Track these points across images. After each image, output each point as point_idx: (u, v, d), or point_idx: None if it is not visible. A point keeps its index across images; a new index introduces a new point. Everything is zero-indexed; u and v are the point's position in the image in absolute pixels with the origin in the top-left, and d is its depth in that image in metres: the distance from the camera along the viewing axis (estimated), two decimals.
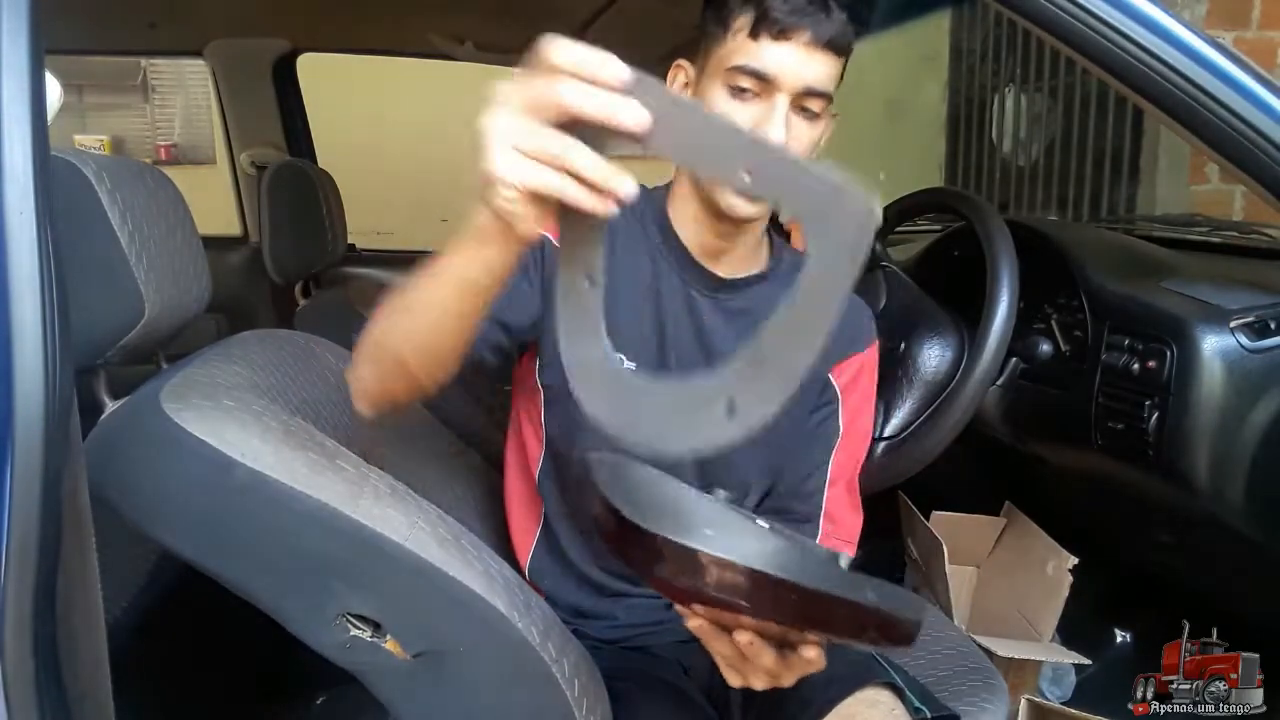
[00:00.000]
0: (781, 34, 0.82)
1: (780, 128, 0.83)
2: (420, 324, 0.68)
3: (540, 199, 0.54)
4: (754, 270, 0.98)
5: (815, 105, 0.85)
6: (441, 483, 1.10)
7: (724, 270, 0.96)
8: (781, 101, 0.83)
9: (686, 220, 0.95)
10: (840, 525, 1.02)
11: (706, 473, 0.97)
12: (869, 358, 1.04)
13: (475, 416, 1.38)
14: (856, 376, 1.02)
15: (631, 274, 0.95)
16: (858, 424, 1.04)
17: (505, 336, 0.91)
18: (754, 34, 0.83)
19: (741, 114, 0.84)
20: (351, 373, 0.79)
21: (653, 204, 0.98)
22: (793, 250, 1.04)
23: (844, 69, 0.87)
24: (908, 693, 0.90)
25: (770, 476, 1.03)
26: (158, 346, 0.88)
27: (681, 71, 0.92)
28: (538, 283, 0.90)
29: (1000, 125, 4.15)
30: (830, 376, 1.01)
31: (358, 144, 3.62)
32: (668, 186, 0.98)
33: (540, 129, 0.53)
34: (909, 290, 1.39)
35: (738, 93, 0.84)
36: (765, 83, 0.83)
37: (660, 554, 0.56)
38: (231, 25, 2.07)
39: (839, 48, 0.84)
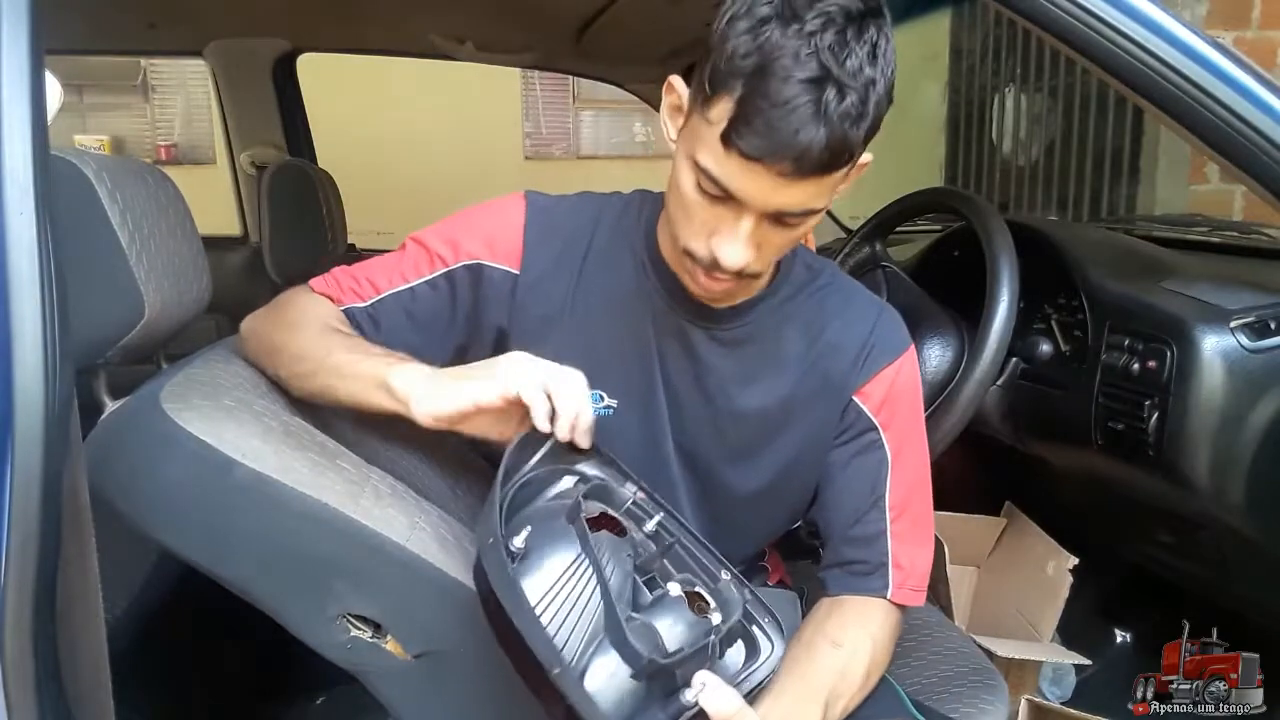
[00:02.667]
0: (751, 159, 0.67)
1: (739, 249, 0.72)
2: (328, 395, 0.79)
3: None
4: (748, 296, 0.86)
5: (795, 220, 0.72)
6: (443, 483, 1.10)
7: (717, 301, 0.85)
8: (746, 223, 0.72)
9: (668, 246, 0.84)
10: (909, 571, 0.89)
11: (705, 524, 0.91)
12: (903, 365, 0.90)
13: None
14: (891, 393, 0.89)
15: (611, 290, 0.87)
16: (910, 442, 0.91)
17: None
18: (724, 141, 0.68)
19: (704, 213, 0.73)
20: (250, 340, 0.85)
21: (643, 216, 0.88)
22: (809, 256, 0.93)
23: (851, 168, 0.72)
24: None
25: (788, 513, 0.96)
26: (158, 346, 0.88)
27: (673, 94, 0.78)
28: (465, 310, 0.87)
29: (1000, 125, 4.15)
30: (856, 400, 0.89)
31: (358, 144, 3.62)
32: (658, 207, 0.87)
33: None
34: (909, 290, 1.39)
35: (704, 191, 0.72)
36: (730, 196, 0.71)
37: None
38: (231, 25, 2.07)
39: (835, 164, 0.68)
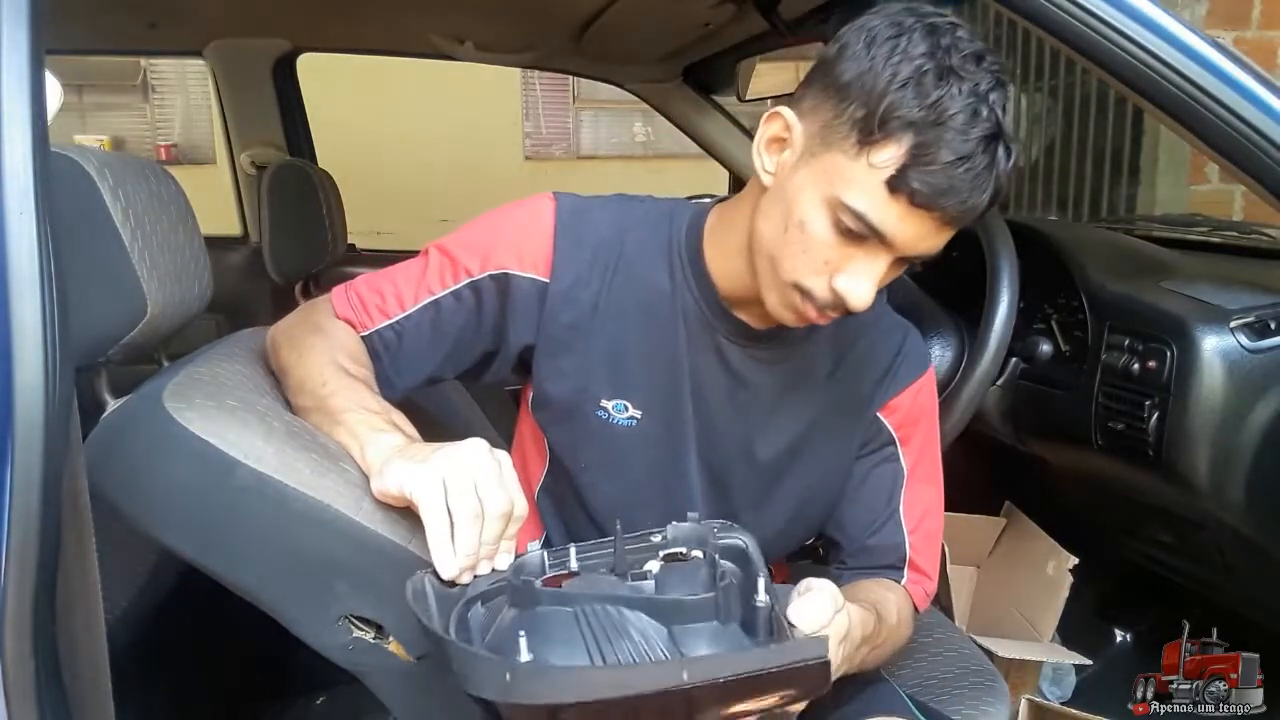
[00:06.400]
0: (923, 205, 0.69)
1: (869, 289, 0.73)
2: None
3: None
4: None
5: (921, 260, 0.75)
6: None
7: (756, 321, 0.85)
8: (882, 263, 0.73)
9: (727, 266, 0.83)
10: (924, 575, 0.91)
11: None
12: (925, 384, 0.92)
13: (477, 419, 1.38)
14: (912, 410, 0.91)
15: (642, 297, 0.85)
16: (925, 459, 0.93)
17: (468, 370, 0.89)
18: (893, 186, 0.68)
19: (831, 251, 0.73)
20: (272, 355, 0.84)
21: (684, 222, 0.86)
22: None
23: None
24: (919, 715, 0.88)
25: (807, 530, 0.95)
26: (159, 345, 0.88)
27: (778, 122, 0.76)
28: (491, 320, 0.85)
29: None
30: (880, 417, 0.91)
31: (358, 144, 3.62)
32: (706, 212, 0.86)
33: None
34: (909, 290, 1.39)
35: (841, 227, 0.71)
36: (877, 236, 0.71)
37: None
38: (231, 25, 2.07)
39: (979, 215, 0.71)
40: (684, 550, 0.68)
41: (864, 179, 0.70)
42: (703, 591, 0.62)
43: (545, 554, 0.68)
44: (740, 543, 0.69)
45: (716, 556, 0.66)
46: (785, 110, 0.76)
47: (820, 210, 0.72)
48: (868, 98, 0.69)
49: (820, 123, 0.73)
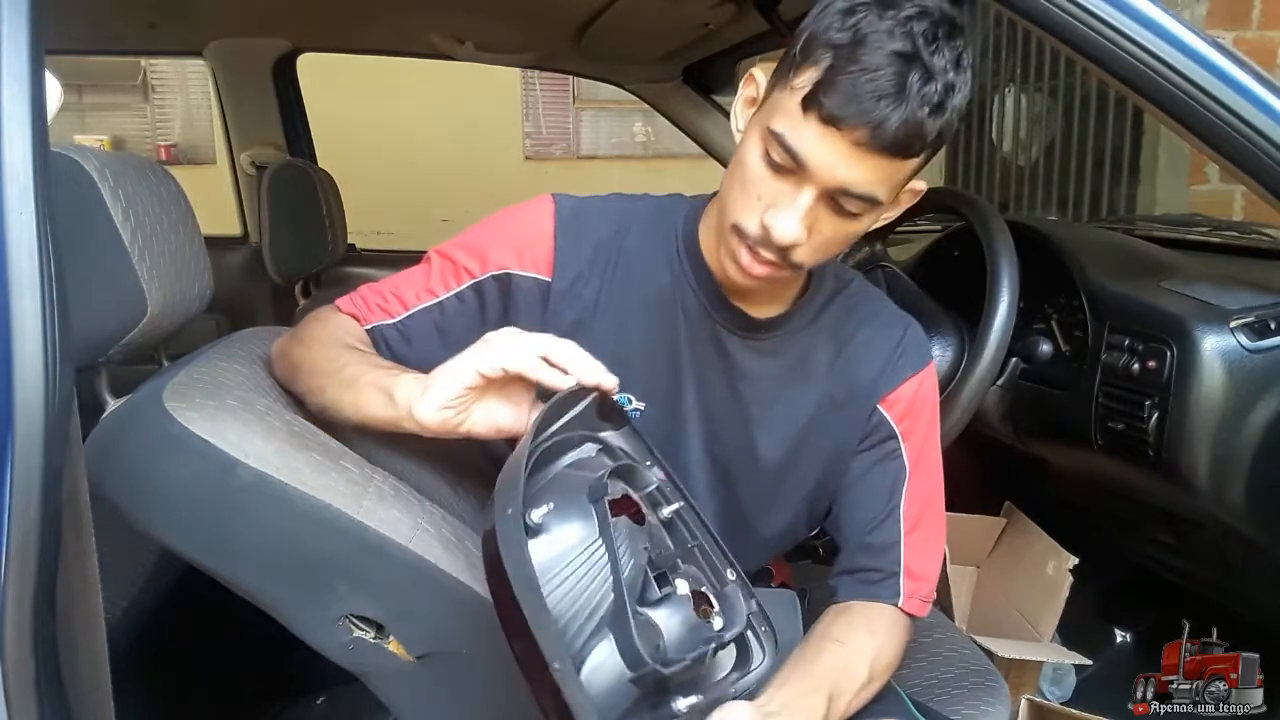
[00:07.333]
0: (830, 121, 0.68)
1: (793, 222, 0.72)
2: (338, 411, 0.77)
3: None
4: (785, 308, 0.87)
5: (854, 206, 0.73)
6: (445, 484, 1.10)
7: (755, 310, 0.86)
8: (806, 196, 0.72)
9: (716, 249, 0.83)
10: (920, 582, 0.90)
11: (728, 531, 0.89)
12: (926, 378, 0.92)
13: None
14: (914, 403, 0.90)
15: (642, 291, 0.86)
16: (927, 455, 0.92)
17: None
18: (805, 104, 0.69)
19: (764, 186, 0.74)
20: (279, 362, 0.85)
21: (682, 216, 0.88)
22: (837, 268, 0.91)
23: (921, 165, 0.74)
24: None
25: (813, 523, 0.95)
26: (159, 344, 0.88)
27: (751, 85, 0.79)
28: (494, 321, 0.84)
29: (1000, 125, 4.15)
30: (880, 409, 0.89)
31: (358, 144, 3.62)
32: (704, 204, 0.88)
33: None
34: (909, 290, 1.39)
35: (769, 160, 0.73)
36: (798, 164, 0.71)
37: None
38: (231, 25, 2.07)
39: (907, 149, 0.70)
40: (713, 605, 0.69)
41: (786, 103, 0.71)
42: (672, 656, 0.62)
43: (663, 482, 0.71)
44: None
45: (714, 648, 0.66)
46: (757, 71, 0.79)
47: (757, 144, 0.74)
48: (803, 33, 0.72)
49: (778, 68, 0.75)
